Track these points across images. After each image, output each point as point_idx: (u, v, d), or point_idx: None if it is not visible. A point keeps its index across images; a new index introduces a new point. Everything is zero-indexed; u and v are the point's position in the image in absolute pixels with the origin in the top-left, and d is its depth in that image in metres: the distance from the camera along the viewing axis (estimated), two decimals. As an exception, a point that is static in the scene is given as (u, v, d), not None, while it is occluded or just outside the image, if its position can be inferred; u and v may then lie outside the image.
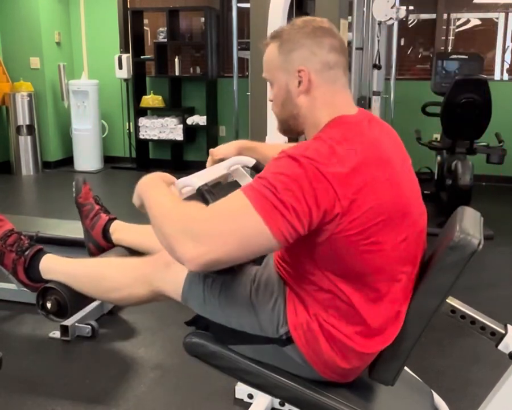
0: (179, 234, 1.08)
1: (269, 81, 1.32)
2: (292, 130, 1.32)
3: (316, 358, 1.24)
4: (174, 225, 1.10)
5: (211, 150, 1.65)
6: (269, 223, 1.05)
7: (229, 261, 1.08)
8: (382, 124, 1.27)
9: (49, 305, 1.50)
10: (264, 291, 1.30)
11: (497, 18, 6.04)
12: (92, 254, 1.77)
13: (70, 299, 1.50)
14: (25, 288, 1.63)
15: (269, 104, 2.00)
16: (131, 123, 6.47)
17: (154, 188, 1.26)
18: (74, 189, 1.77)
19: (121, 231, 1.75)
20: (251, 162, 1.65)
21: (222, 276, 1.33)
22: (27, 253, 1.60)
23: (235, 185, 1.73)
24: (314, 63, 1.23)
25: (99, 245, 1.75)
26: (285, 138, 2.07)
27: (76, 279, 1.53)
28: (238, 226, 1.06)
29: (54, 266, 1.58)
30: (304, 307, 1.24)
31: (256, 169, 1.65)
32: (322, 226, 1.09)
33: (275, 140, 2.00)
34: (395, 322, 1.23)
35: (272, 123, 2.01)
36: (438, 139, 5.04)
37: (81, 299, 1.54)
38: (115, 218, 1.78)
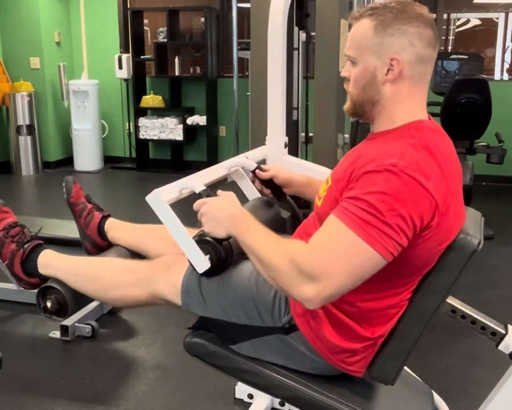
0: (292, 279, 1.09)
1: (352, 59, 1.22)
2: (363, 115, 1.25)
3: (320, 343, 1.25)
4: (285, 271, 1.10)
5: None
6: (378, 249, 1.05)
7: (346, 289, 1.09)
8: (444, 135, 1.25)
9: (49, 304, 1.50)
10: (264, 282, 1.30)
11: (497, 18, 6.05)
12: (89, 252, 1.76)
13: (70, 297, 1.50)
14: (17, 284, 1.62)
15: (270, 104, 2.00)
16: (131, 123, 6.47)
17: (250, 228, 1.21)
18: (64, 189, 1.76)
19: (116, 229, 1.74)
20: (253, 165, 1.65)
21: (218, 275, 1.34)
22: (26, 245, 1.59)
23: (233, 185, 1.74)
24: (410, 54, 1.15)
25: (96, 243, 1.75)
26: (285, 137, 2.06)
27: (74, 276, 1.51)
28: (348, 259, 1.07)
29: (52, 261, 1.58)
30: None
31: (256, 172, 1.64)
32: (420, 233, 1.10)
33: (275, 140, 2.00)
34: (400, 311, 1.25)
35: (272, 123, 2.01)
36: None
37: (81, 298, 1.54)
38: (109, 216, 1.78)
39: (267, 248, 1.16)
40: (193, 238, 1.30)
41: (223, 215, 1.24)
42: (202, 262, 1.29)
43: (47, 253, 1.61)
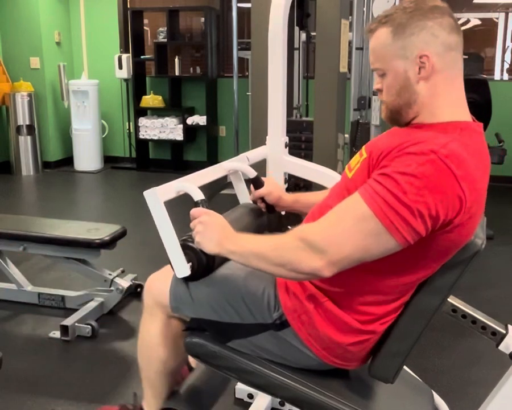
0: (300, 254, 1.09)
1: (380, 70, 1.21)
2: (401, 119, 1.21)
3: (313, 339, 1.25)
4: (292, 247, 1.10)
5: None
6: (389, 228, 1.04)
7: (354, 260, 1.08)
8: (484, 141, 1.21)
9: None
10: (252, 279, 1.30)
11: (497, 18, 6.04)
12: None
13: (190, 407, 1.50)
14: None
15: (270, 104, 2.00)
16: (131, 123, 6.47)
17: (244, 238, 1.22)
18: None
19: None
20: (253, 173, 1.65)
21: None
22: None
23: (229, 186, 1.74)
24: (436, 46, 1.14)
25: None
26: (285, 137, 2.06)
27: (154, 389, 1.59)
28: (355, 230, 1.06)
29: (148, 398, 1.60)
30: (298, 290, 1.24)
31: (254, 182, 1.64)
32: (440, 228, 1.07)
33: (275, 140, 2.00)
34: (397, 311, 1.25)
35: (272, 123, 2.01)
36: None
37: (194, 401, 1.54)
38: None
39: (268, 241, 1.17)
40: (180, 240, 1.30)
41: (220, 234, 1.23)
42: (183, 268, 1.30)
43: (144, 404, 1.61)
